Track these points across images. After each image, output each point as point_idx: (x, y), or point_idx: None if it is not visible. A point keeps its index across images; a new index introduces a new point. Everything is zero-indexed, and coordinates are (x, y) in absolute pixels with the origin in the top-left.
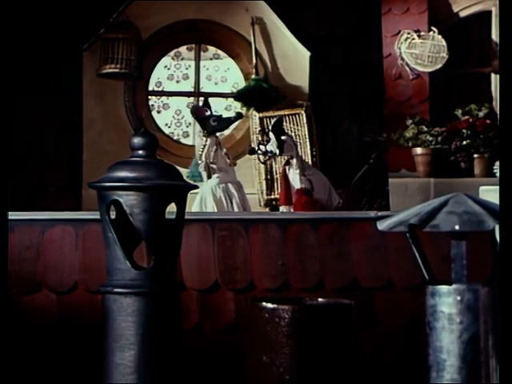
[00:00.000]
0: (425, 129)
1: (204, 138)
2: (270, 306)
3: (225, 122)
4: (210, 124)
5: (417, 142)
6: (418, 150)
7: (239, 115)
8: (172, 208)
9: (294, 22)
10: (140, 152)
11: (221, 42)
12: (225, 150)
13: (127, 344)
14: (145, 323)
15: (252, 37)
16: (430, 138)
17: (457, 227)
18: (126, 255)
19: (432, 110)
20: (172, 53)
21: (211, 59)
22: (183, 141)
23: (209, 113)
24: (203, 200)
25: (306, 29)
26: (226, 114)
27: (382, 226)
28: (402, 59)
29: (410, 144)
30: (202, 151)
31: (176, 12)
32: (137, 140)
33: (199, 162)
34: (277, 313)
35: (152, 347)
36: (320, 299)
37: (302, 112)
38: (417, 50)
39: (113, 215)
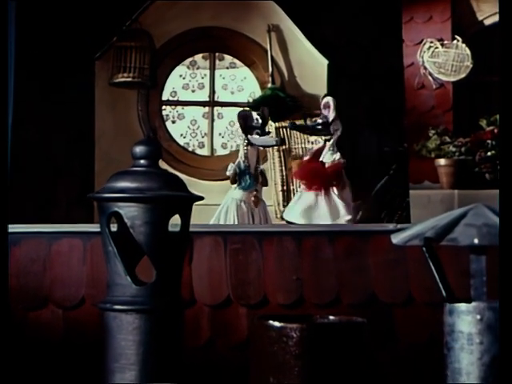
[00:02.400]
0: (448, 139)
1: (245, 147)
2: (277, 324)
3: (264, 142)
4: (253, 133)
5: (440, 153)
6: (441, 161)
7: (282, 142)
8: (176, 220)
9: (311, 29)
10: (142, 161)
11: (236, 49)
12: (261, 167)
13: (127, 364)
14: (146, 342)
15: (268, 44)
16: (454, 149)
17: (476, 241)
18: (127, 270)
19: (456, 120)
20: (187, 62)
21: (227, 68)
22: (199, 152)
23: (256, 123)
24: (227, 211)
25: (324, 36)
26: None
27: (396, 239)
28: (425, 68)
29: (433, 155)
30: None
31: (190, 19)
32: (139, 149)
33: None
34: (284, 332)
35: (154, 368)
36: (331, 317)
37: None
38: (440, 59)
39: (114, 228)
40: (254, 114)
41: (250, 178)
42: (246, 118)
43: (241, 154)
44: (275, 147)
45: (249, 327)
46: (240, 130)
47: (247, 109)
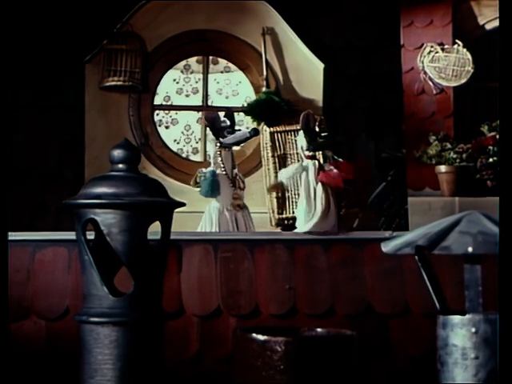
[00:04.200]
0: (449, 146)
1: (218, 150)
2: (260, 337)
3: (237, 138)
4: (224, 135)
5: (441, 160)
6: (442, 168)
7: (255, 132)
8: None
9: (307, 32)
10: (120, 166)
11: (230, 53)
12: (236, 171)
13: (104, 380)
14: (124, 356)
15: (263, 48)
16: (455, 156)
17: (470, 249)
18: (104, 280)
19: (456, 126)
20: (181, 66)
21: (222, 72)
22: (193, 158)
23: (225, 124)
24: (211, 220)
25: (321, 39)
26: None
27: (387, 247)
28: (425, 73)
29: (434, 161)
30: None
31: (183, 22)
32: (116, 153)
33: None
34: (268, 345)
35: None
36: (319, 329)
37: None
38: (440, 64)
39: (92, 235)
40: (221, 116)
41: (209, 184)
42: (213, 121)
43: (213, 159)
44: (269, 154)
45: None
46: (211, 134)
47: (211, 112)
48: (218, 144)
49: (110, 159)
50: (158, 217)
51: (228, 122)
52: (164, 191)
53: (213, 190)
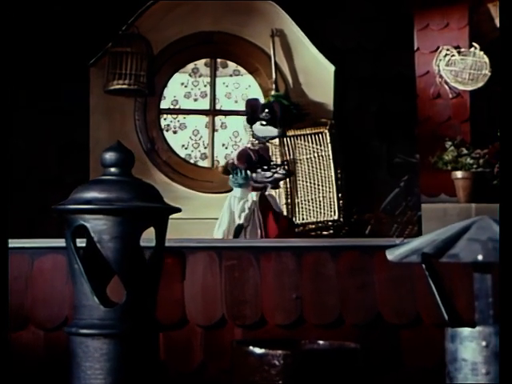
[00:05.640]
0: (465, 151)
1: (250, 139)
2: (257, 350)
3: (265, 132)
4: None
5: (457, 165)
6: (458, 174)
7: (284, 134)
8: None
9: (317, 33)
10: (112, 169)
11: (238, 55)
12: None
13: None
14: (115, 370)
15: (272, 50)
16: (471, 161)
17: (480, 257)
18: (96, 290)
19: (473, 131)
20: (189, 69)
21: (231, 76)
22: (201, 163)
23: (265, 115)
24: (230, 209)
25: (331, 41)
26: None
27: (391, 255)
28: (441, 77)
29: (450, 167)
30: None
31: (190, 24)
32: (108, 155)
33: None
34: (266, 359)
35: None
36: (321, 342)
37: (326, 131)
38: (457, 68)
39: (84, 243)
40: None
41: (243, 178)
42: (254, 108)
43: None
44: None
45: None
46: (246, 120)
47: (257, 98)
48: (251, 132)
49: (101, 162)
50: (152, 223)
51: (269, 116)
52: (158, 196)
53: (246, 181)
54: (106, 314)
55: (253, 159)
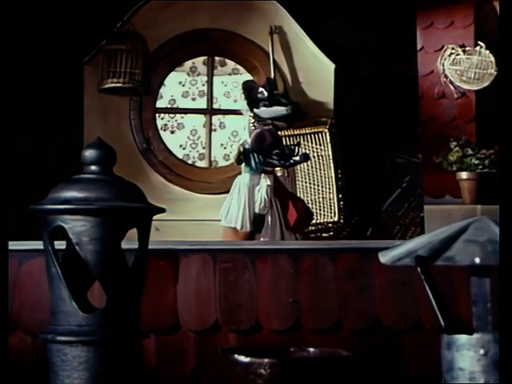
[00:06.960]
0: (470, 151)
1: (252, 122)
2: (243, 359)
3: (273, 113)
4: (259, 106)
5: (462, 166)
6: (464, 175)
7: (293, 110)
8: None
9: (317, 31)
10: (92, 168)
11: (236, 53)
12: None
13: None
14: (95, 379)
15: (270, 47)
16: (477, 162)
17: (477, 260)
18: (76, 295)
19: (478, 132)
20: (187, 68)
21: (230, 74)
22: (199, 164)
23: (262, 95)
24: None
25: (332, 39)
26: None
27: (384, 258)
28: (446, 76)
29: (455, 168)
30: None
31: (187, 21)
32: (88, 153)
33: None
34: (252, 368)
35: None
36: (311, 349)
37: (326, 130)
38: (462, 67)
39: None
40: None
41: (258, 158)
42: (250, 90)
43: (247, 131)
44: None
45: None
46: (246, 104)
47: (251, 79)
48: (252, 115)
49: (81, 160)
50: (135, 224)
51: (266, 94)
52: (141, 195)
53: (261, 166)
54: (85, 320)
55: (269, 141)
